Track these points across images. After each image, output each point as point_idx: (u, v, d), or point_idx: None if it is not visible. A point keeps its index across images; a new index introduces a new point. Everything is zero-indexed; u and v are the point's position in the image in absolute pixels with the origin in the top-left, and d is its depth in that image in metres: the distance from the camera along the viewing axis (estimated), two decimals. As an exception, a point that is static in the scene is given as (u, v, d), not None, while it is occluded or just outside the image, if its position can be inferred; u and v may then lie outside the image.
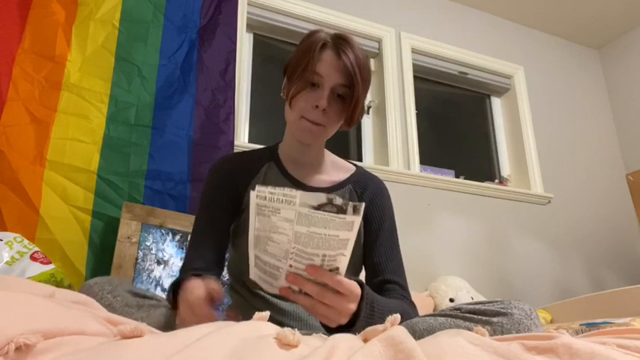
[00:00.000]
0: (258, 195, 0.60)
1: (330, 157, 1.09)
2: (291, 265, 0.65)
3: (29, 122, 1.59)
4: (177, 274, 0.96)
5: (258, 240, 0.65)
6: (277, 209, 0.60)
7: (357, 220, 0.60)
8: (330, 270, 0.65)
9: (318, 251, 0.62)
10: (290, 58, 0.99)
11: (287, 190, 0.59)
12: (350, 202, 0.59)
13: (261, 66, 2.39)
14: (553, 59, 3.18)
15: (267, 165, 1.04)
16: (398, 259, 1.01)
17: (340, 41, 0.94)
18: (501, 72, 2.93)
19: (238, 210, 1.01)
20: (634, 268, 2.79)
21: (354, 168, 1.09)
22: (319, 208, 0.58)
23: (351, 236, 0.61)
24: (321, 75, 0.91)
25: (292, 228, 0.60)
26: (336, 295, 0.66)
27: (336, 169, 1.07)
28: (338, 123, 0.97)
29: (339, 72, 0.91)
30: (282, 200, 0.59)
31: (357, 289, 0.68)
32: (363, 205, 0.59)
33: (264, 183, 1.01)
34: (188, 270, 0.92)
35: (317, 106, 0.91)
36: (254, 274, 0.69)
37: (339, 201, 0.58)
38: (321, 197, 0.58)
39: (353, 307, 0.68)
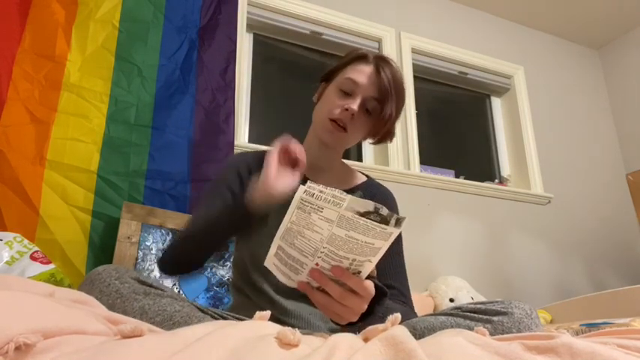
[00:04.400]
0: (307, 191, 0.59)
1: (344, 166, 1.12)
2: (317, 264, 0.64)
3: (29, 122, 1.59)
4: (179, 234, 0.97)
5: (288, 232, 0.64)
6: (321, 208, 0.59)
7: (397, 232, 0.59)
8: (353, 273, 0.65)
9: (349, 255, 0.62)
10: (331, 67, 1.05)
11: (337, 192, 0.58)
12: (395, 215, 0.58)
13: (261, 66, 2.38)
14: (553, 59, 3.18)
15: None
16: (400, 266, 1.03)
17: (382, 60, 1.00)
18: (501, 72, 2.93)
19: None
20: (634, 268, 2.78)
21: (365, 178, 1.13)
22: (364, 215, 0.58)
23: (385, 246, 0.61)
24: (357, 83, 0.96)
25: (330, 229, 0.60)
26: (355, 296, 0.66)
27: (347, 176, 1.11)
28: (360, 135, 1.01)
29: (375, 85, 0.96)
30: (330, 201, 0.58)
31: (373, 290, 0.69)
32: (406, 218, 0.59)
33: None
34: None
35: (347, 109, 0.94)
36: (271, 263, 0.68)
37: (384, 211, 0.58)
38: (369, 205, 0.58)
39: (365, 306, 0.69)
